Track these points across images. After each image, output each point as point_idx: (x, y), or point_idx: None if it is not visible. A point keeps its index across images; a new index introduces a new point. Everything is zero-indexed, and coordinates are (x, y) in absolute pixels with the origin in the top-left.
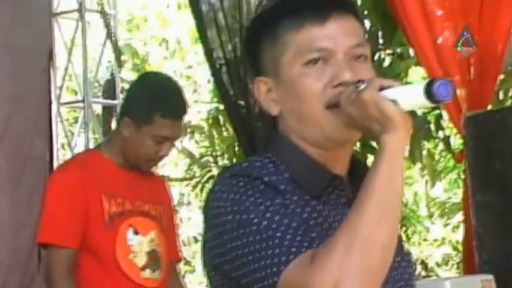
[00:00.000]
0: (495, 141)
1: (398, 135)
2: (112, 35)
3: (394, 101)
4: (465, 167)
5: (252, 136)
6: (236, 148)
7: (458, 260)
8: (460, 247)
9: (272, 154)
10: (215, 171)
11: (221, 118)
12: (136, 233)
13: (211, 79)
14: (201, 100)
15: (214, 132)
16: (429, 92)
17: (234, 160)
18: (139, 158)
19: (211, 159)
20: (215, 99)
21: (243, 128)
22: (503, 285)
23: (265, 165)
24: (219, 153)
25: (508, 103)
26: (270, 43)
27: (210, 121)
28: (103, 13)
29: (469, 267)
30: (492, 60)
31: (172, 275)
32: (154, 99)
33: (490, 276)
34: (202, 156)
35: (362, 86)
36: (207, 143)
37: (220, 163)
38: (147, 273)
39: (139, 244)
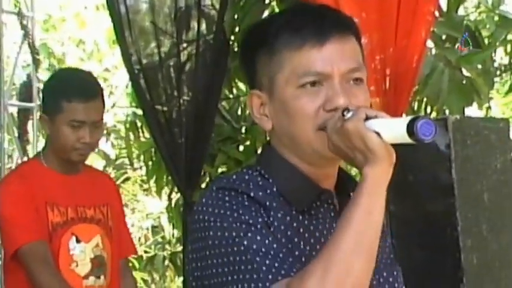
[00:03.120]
0: (408, 153)
1: (381, 168)
2: (30, 37)
3: (378, 133)
4: None
5: (170, 141)
6: (153, 153)
7: None
8: None
9: (261, 167)
10: (130, 173)
11: (138, 122)
12: (78, 241)
13: (129, 83)
14: (118, 104)
15: (132, 137)
16: (411, 130)
17: (150, 164)
18: (64, 149)
19: (126, 161)
20: (133, 104)
21: (160, 133)
22: None
23: (253, 178)
24: (135, 155)
25: (421, 113)
26: (266, 58)
27: (128, 125)
28: (20, 15)
29: None
30: (407, 72)
31: (125, 272)
32: (59, 87)
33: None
34: (117, 158)
35: (348, 115)
36: (122, 145)
37: (136, 165)
38: (91, 280)
39: (81, 252)
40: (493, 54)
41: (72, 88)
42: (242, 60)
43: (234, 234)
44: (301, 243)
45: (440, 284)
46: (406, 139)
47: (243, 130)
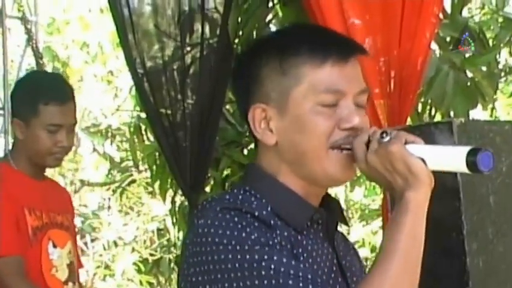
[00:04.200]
0: None
1: (423, 193)
2: (33, 41)
3: (422, 159)
4: None
5: (174, 145)
6: (157, 156)
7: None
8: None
9: (250, 187)
10: (136, 176)
11: (142, 126)
12: (54, 246)
13: (133, 86)
14: (122, 107)
15: (136, 140)
16: (471, 162)
17: (154, 168)
18: (40, 154)
19: (131, 163)
20: (137, 108)
21: (164, 137)
22: None
23: (247, 198)
24: (139, 157)
25: (425, 115)
26: (278, 72)
27: (132, 128)
28: (24, 19)
29: None
30: (412, 74)
31: None
32: (33, 91)
33: None
34: (122, 160)
35: (387, 138)
36: (127, 147)
37: (141, 168)
38: (70, 286)
39: (59, 257)
40: (497, 56)
41: (47, 91)
42: (241, 72)
43: (257, 256)
44: (303, 262)
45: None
46: (460, 169)
47: (247, 133)
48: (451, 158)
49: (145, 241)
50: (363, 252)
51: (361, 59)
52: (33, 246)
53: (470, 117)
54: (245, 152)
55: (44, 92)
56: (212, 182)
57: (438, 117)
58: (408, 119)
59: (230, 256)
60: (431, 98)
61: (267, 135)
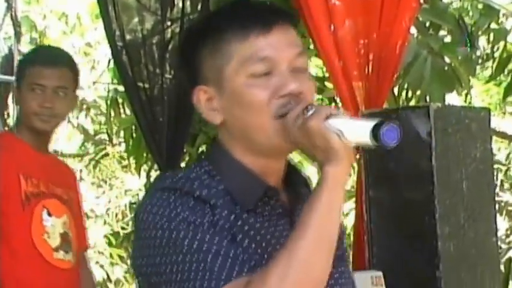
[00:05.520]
0: None
1: (341, 168)
2: (13, 10)
3: (340, 132)
4: (359, 162)
5: (151, 119)
6: (133, 130)
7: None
8: (348, 233)
9: (209, 163)
10: (109, 149)
11: (119, 99)
12: (49, 214)
13: (111, 59)
14: (99, 80)
15: (112, 113)
16: (375, 135)
17: (131, 142)
18: (27, 115)
19: (105, 136)
20: (114, 81)
21: (142, 111)
22: (392, 281)
23: (199, 176)
24: (114, 131)
25: (402, 98)
26: (211, 53)
27: (109, 101)
28: None
29: (358, 262)
30: (390, 58)
31: (83, 263)
32: (26, 56)
33: (380, 273)
34: (96, 133)
35: (310, 112)
36: (102, 120)
37: (115, 141)
38: (60, 254)
39: (52, 226)
40: (476, 43)
41: (37, 55)
42: (183, 57)
43: (182, 234)
44: (247, 241)
45: (417, 271)
46: (368, 142)
47: None
48: (363, 130)
49: (116, 214)
50: None
51: (341, 41)
52: (25, 210)
53: (446, 103)
54: None
55: (33, 56)
56: (187, 158)
57: (414, 101)
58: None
59: (159, 234)
60: (408, 82)
61: (213, 115)
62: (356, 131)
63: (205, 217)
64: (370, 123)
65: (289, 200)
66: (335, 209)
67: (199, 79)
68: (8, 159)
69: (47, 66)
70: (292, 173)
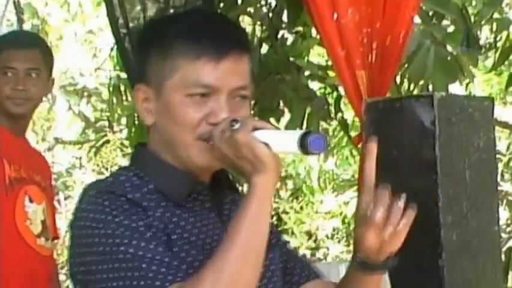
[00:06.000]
0: (393, 128)
1: (269, 177)
2: None
3: (266, 144)
4: (362, 151)
5: None
6: (135, 117)
7: (345, 234)
8: (349, 221)
9: (136, 167)
10: (110, 137)
11: (122, 86)
12: (31, 201)
13: (114, 46)
14: (101, 67)
15: (114, 100)
16: (302, 144)
17: (133, 130)
18: (2, 101)
19: (106, 124)
20: (117, 68)
21: None
22: (394, 269)
23: (129, 178)
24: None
25: (404, 87)
26: (159, 59)
27: (111, 88)
28: None
29: None
30: (394, 47)
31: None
32: None
33: None
34: (97, 120)
35: (236, 126)
36: (103, 108)
37: (116, 129)
38: (42, 241)
39: (34, 212)
40: (479, 32)
41: (7, 39)
42: (136, 51)
43: (118, 241)
44: (182, 236)
45: (419, 260)
46: (296, 151)
47: None
48: (290, 141)
49: None
50: (335, 223)
51: (344, 30)
52: (8, 195)
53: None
54: None
55: (2, 40)
56: None
57: (416, 91)
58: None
59: (96, 240)
60: (411, 72)
61: (146, 115)
62: (283, 141)
63: (140, 220)
64: (296, 134)
65: (217, 197)
66: (264, 218)
67: (143, 77)
68: None
69: (17, 48)
70: (218, 172)
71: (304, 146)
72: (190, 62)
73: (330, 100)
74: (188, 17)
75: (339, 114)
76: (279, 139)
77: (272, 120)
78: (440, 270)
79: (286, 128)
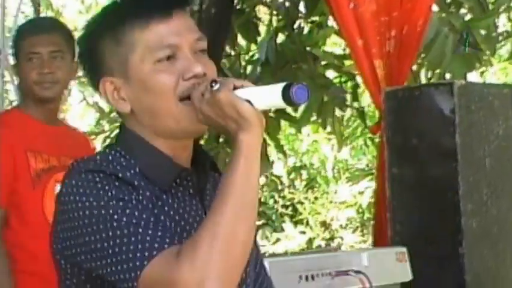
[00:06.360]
0: (413, 117)
1: (254, 134)
2: None
3: (249, 101)
4: (381, 139)
5: None
6: None
7: (359, 224)
8: (363, 211)
9: (121, 147)
10: None
11: None
12: None
13: None
14: None
15: None
16: (286, 96)
17: None
18: (28, 86)
19: None
20: None
21: None
22: (415, 257)
23: (117, 159)
24: None
25: (421, 74)
26: (113, 43)
27: None
28: None
29: (380, 238)
30: (412, 35)
31: None
32: (17, 32)
33: (404, 249)
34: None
35: (216, 86)
36: None
37: None
38: None
39: None
40: (496, 20)
41: (28, 26)
42: (83, 50)
43: (111, 211)
44: (167, 221)
45: (440, 247)
46: (279, 104)
47: None
48: (272, 95)
49: None
50: (350, 213)
51: (362, 19)
52: (35, 188)
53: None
54: None
55: (23, 28)
56: (206, 136)
57: (434, 80)
58: None
59: (87, 212)
60: (429, 60)
61: (121, 104)
62: (265, 96)
63: (131, 195)
64: (278, 87)
65: (198, 180)
66: (253, 173)
67: (104, 70)
68: (15, 137)
69: (38, 33)
70: (199, 153)
71: (288, 97)
72: (143, 31)
73: (347, 89)
74: None
75: (356, 103)
76: (260, 95)
77: (289, 109)
78: (460, 257)
79: (302, 114)
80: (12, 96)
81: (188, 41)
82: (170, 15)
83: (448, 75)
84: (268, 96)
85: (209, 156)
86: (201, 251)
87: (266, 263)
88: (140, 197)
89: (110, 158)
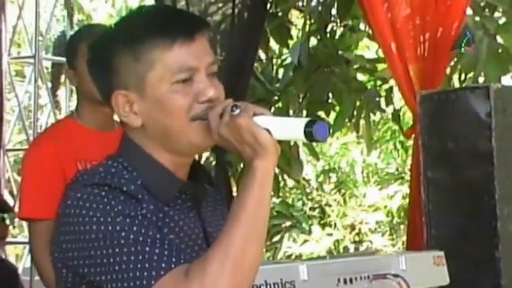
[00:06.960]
0: (449, 120)
1: (269, 161)
2: None
3: (267, 130)
4: (414, 143)
5: None
6: None
7: (388, 227)
8: (393, 214)
9: (123, 159)
10: None
11: None
12: None
13: None
14: None
15: None
16: (308, 132)
17: None
18: (88, 88)
19: None
20: None
21: None
22: (451, 260)
23: (120, 171)
24: None
25: (454, 77)
26: (131, 59)
27: None
28: None
29: (415, 242)
30: (446, 39)
31: None
32: (74, 35)
33: (441, 253)
34: None
35: (237, 111)
36: None
37: None
38: None
39: None
40: None
41: (84, 32)
42: (96, 61)
43: (118, 227)
44: (170, 234)
45: (476, 251)
46: (298, 138)
47: (276, 92)
48: (293, 128)
49: None
50: (379, 217)
51: (396, 22)
52: None
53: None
54: (272, 110)
55: (81, 33)
56: None
57: (466, 83)
58: None
59: (94, 227)
60: (463, 64)
61: (132, 118)
62: (284, 128)
63: (137, 210)
64: (300, 122)
65: (196, 194)
66: (265, 200)
67: (117, 82)
68: (66, 147)
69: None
70: (196, 168)
71: (310, 133)
72: (167, 50)
73: (380, 92)
74: (146, 13)
75: (391, 107)
76: (280, 126)
77: (321, 113)
78: (497, 262)
79: (336, 118)
80: (44, 100)
81: (205, 64)
82: (193, 39)
83: (480, 79)
84: (288, 128)
85: (206, 170)
86: (210, 270)
87: (304, 266)
88: (144, 211)
89: (113, 170)
